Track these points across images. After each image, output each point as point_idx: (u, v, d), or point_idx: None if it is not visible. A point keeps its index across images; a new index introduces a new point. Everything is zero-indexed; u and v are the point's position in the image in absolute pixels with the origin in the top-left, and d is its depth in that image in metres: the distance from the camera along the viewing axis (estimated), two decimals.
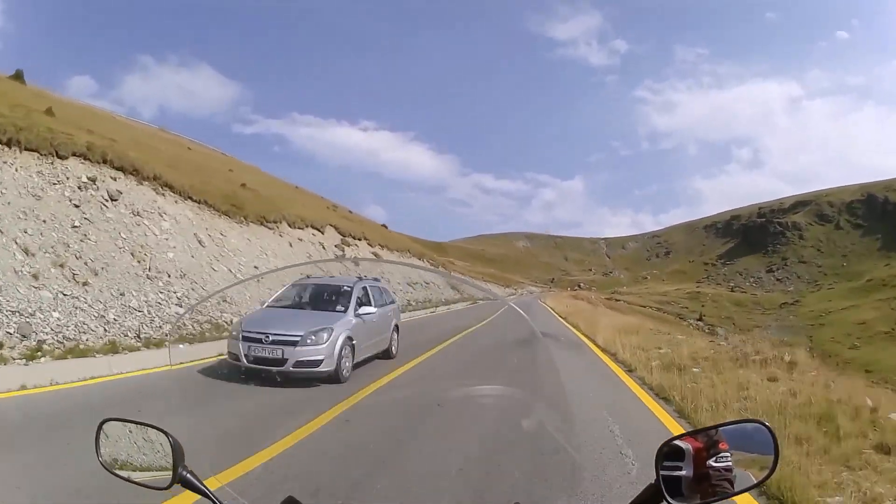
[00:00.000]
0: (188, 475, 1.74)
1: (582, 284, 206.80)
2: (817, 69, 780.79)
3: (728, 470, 1.60)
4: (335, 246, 33.39)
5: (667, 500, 1.52)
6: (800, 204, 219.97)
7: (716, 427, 1.69)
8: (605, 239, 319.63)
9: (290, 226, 30.37)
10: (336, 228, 36.36)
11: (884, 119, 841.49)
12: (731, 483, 1.59)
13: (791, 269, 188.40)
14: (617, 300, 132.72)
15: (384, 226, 63.29)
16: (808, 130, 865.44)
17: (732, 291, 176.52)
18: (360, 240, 39.04)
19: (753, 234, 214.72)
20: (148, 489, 1.84)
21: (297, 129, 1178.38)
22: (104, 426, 1.97)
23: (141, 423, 1.94)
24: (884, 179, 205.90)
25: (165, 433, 1.83)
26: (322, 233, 33.72)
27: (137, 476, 1.91)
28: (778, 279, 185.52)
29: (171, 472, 1.76)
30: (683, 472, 1.62)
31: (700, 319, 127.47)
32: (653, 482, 1.56)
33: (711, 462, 1.61)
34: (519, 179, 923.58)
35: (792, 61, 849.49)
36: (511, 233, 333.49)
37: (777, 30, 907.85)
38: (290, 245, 28.16)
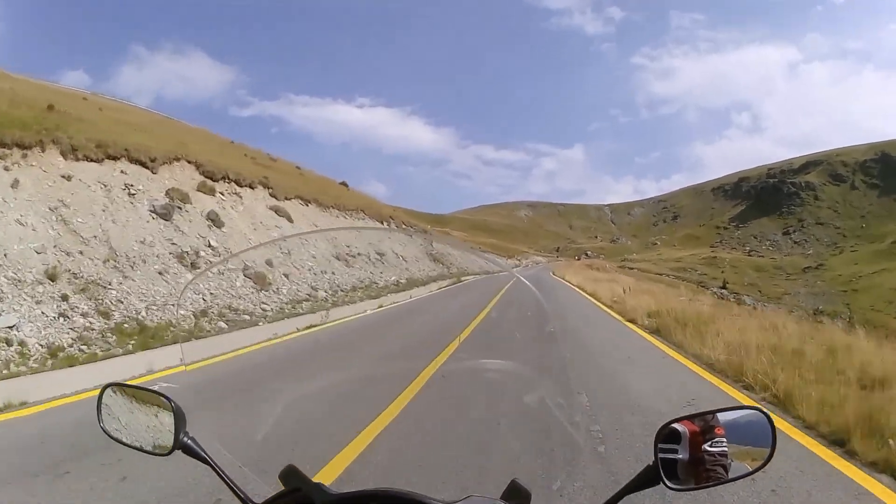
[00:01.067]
0: (189, 441, 1.70)
1: (589, 252, 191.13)
2: (815, 33, 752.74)
3: (723, 455, 1.56)
4: (166, 193, 17.20)
5: (664, 482, 1.52)
6: (811, 164, 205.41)
7: (713, 412, 1.62)
8: (609, 205, 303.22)
9: (65, 155, 14.66)
10: (198, 167, 20.28)
11: (884, 82, 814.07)
12: (726, 469, 1.56)
13: (808, 231, 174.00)
14: (630, 268, 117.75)
15: (343, 184, 47.00)
16: (808, 95, 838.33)
17: (749, 255, 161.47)
18: (251, 187, 22.80)
19: (766, 195, 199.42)
20: (149, 454, 1.79)
21: (294, 110, 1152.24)
22: (106, 391, 1.90)
23: (143, 389, 1.89)
24: None
25: (168, 398, 1.77)
26: (153, 171, 17.69)
27: (139, 441, 1.83)
28: (795, 242, 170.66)
29: (172, 438, 1.72)
30: (679, 456, 1.58)
31: (724, 287, 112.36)
32: (651, 464, 1.56)
33: (707, 447, 1.57)
34: (520, 150, 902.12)
35: (789, 25, 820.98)
36: (514, 202, 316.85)
37: None
38: (14, 185, 12.26)
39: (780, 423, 6.10)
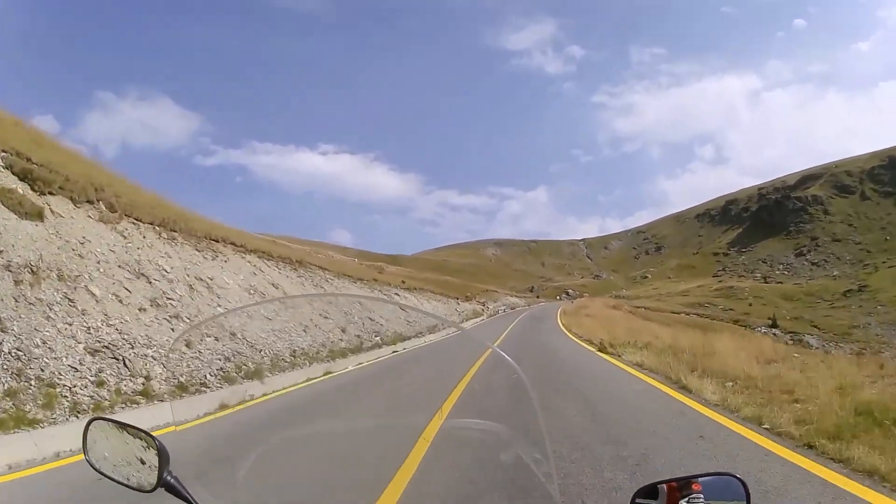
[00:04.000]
0: (172, 480, 1.67)
1: (570, 291, 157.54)
2: (776, 60, 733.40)
3: None
4: None
5: None
6: (808, 179, 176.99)
7: (693, 477, 1.64)
8: (584, 240, 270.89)
9: None
10: None
11: (848, 104, 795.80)
12: None
13: (826, 249, 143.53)
14: (637, 308, 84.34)
15: None
16: (771, 122, 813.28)
17: (767, 282, 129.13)
18: None
19: (766, 215, 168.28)
20: (132, 490, 1.76)
21: (258, 158, 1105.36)
22: (93, 424, 1.89)
23: (129, 426, 1.84)
24: None
25: (152, 437, 1.74)
26: None
27: (122, 476, 1.80)
28: (814, 263, 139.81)
29: (156, 476, 1.69)
30: None
31: (774, 326, 79.28)
32: None
33: (684, 503, 1.58)
34: (483, 194, 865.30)
35: (750, 54, 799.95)
36: (479, 241, 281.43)
37: (733, 23, 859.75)
38: None
39: None
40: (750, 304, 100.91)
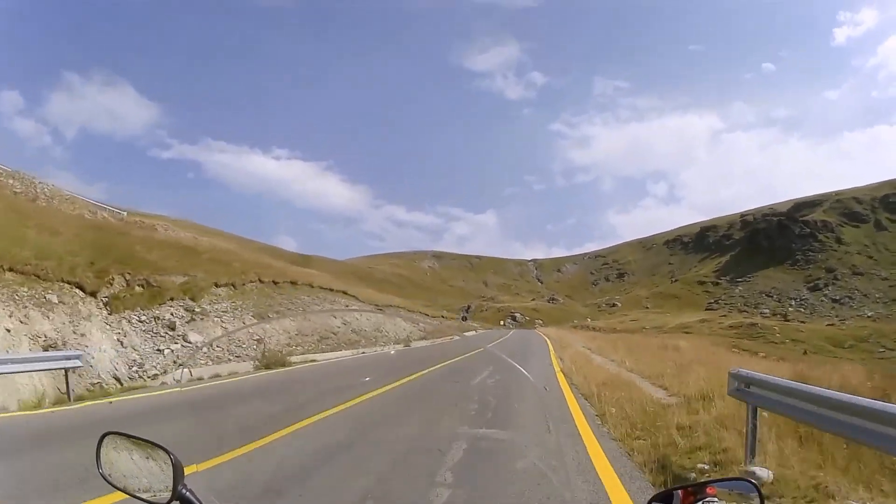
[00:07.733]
0: (187, 493, 1.66)
1: (518, 315, 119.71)
2: (741, 101, 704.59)
3: None
4: None
5: None
6: (803, 206, 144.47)
7: (706, 483, 1.67)
8: (534, 261, 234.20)
9: None
10: None
11: (810, 151, 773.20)
12: None
13: (847, 284, 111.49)
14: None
15: None
16: (730, 163, 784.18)
17: (787, 320, 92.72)
18: None
19: (766, 240, 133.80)
20: (147, 503, 1.77)
21: (211, 156, 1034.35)
22: (105, 439, 1.89)
23: (142, 440, 1.85)
24: None
25: (166, 450, 1.73)
26: None
27: (137, 490, 1.79)
28: (835, 300, 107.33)
29: (170, 490, 1.67)
30: None
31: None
32: None
33: None
34: (432, 212, 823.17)
35: (715, 94, 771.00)
36: (416, 252, 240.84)
37: (700, 62, 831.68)
38: None
39: None
40: (805, 353, 64.90)
